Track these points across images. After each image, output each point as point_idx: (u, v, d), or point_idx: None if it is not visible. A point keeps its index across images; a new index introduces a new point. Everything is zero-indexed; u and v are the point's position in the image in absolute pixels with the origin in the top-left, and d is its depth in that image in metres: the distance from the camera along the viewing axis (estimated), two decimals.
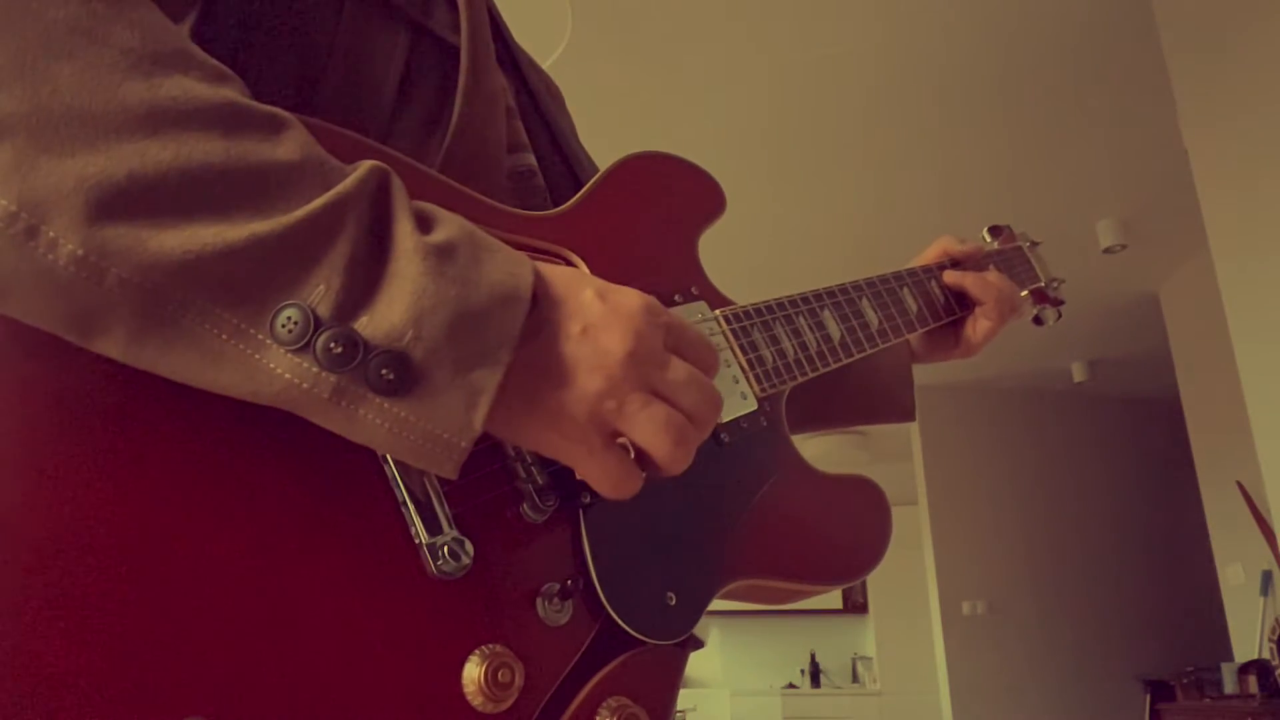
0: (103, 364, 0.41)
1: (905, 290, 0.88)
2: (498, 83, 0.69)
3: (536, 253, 0.60)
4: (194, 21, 0.56)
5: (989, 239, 1.07)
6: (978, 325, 0.93)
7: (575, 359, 0.47)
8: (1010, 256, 1.04)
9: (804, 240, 4.78)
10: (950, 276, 0.93)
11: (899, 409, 0.95)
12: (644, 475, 0.49)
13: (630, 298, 0.50)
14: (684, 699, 7.34)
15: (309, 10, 0.60)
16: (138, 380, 0.41)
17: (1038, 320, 1.07)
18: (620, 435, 0.48)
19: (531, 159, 0.73)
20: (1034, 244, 1.10)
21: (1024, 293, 1.05)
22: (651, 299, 0.51)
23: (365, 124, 0.59)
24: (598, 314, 0.48)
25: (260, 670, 0.41)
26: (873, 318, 0.82)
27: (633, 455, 0.49)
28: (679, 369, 0.49)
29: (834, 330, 0.76)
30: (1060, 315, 1.08)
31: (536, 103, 0.78)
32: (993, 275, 0.94)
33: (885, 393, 0.94)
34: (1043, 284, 1.06)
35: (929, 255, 0.97)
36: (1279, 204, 2.72)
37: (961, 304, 0.94)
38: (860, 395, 0.93)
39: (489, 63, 0.66)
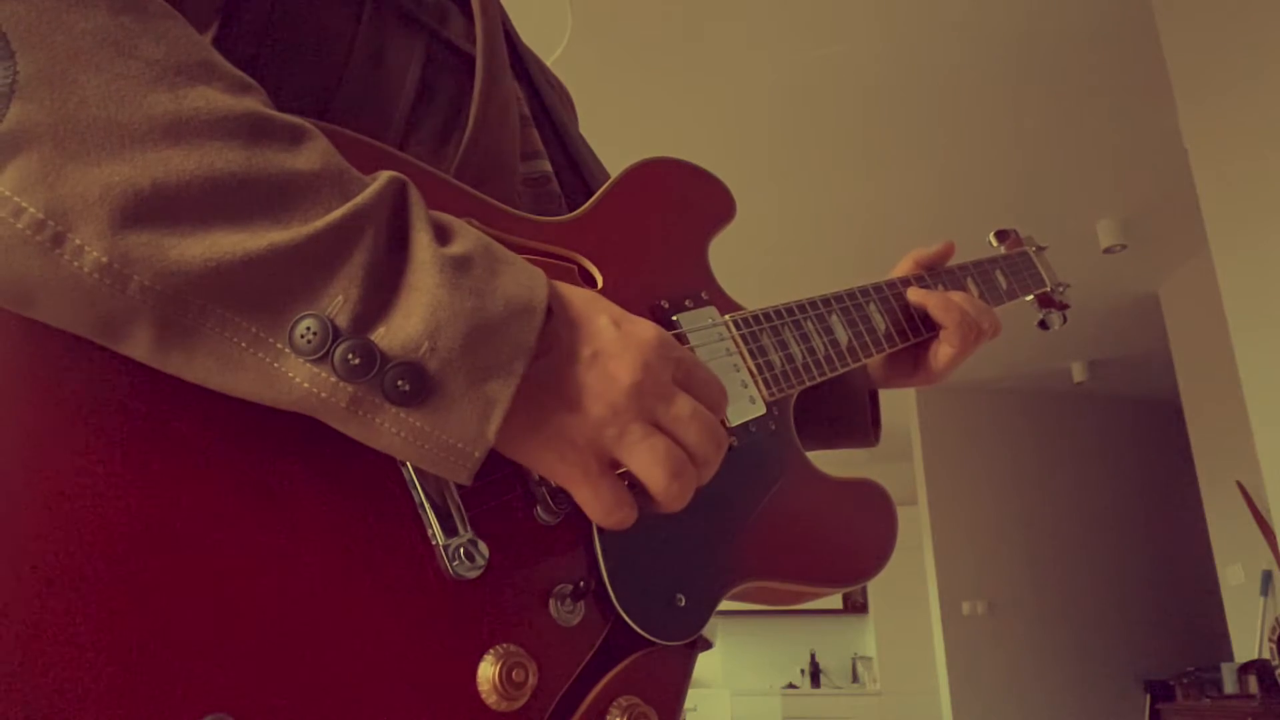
0: (127, 365, 0.41)
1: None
2: (511, 91, 0.69)
3: (550, 258, 0.60)
4: (215, 30, 0.57)
5: (995, 243, 1.07)
6: (939, 351, 0.86)
7: (582, 383, 0.47)
8: (1016, 261, 1.04)
9: (804, 242, 4.78)
10: (914, 295, 0.86)
11: (861, 435, 0.92)
12: (638, 508, 0.49)
13: (645, 329, 0.50)
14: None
15: (328, 19, 0.60)
16: (160, 381, 0.42)
17: (1043, 325, 1.07)
18: (619, 464, 0.48)
19: (546, 165, 0.74)
20: (1040, 248, 1.09)
21: (1029, 297, 1.05)
22: (665, 333, 0.51)
23: (382, 132, 0.60)
24: (610, 340, 0.48)
25: (279, 668, 0.41)
26: (880, 322, 0.82)
27: (628, 485, 0.49)
28: (684, 404, 0.50)
29: (842, 335, 0.77)
30: (1066, 320, 1.07)
31: (548, 110, 0.79)
32: (958, 296, 0.86)
33: (851, 417, 0.92)
34: (1049, 288, 1.06)
35: (901, 269, 0.93)
36: (1279, 203, 2.72)
37: (930, 325, 0.87)
38: (830, 419, 0.91)
39: (503, 72, 0.67)
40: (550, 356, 0.47)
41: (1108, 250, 4.53)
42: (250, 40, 0.58)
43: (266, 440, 0.44)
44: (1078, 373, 6.31)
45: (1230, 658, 4.57)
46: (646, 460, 0.48)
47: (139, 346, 0.40)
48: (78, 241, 0.38)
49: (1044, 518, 6.39)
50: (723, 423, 0.63)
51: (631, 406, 0.47)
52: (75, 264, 0.38)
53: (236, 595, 0.41)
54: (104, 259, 0.38)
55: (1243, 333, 2.92)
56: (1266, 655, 4.17)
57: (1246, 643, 4.48)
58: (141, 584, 0.40)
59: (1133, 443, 6.72)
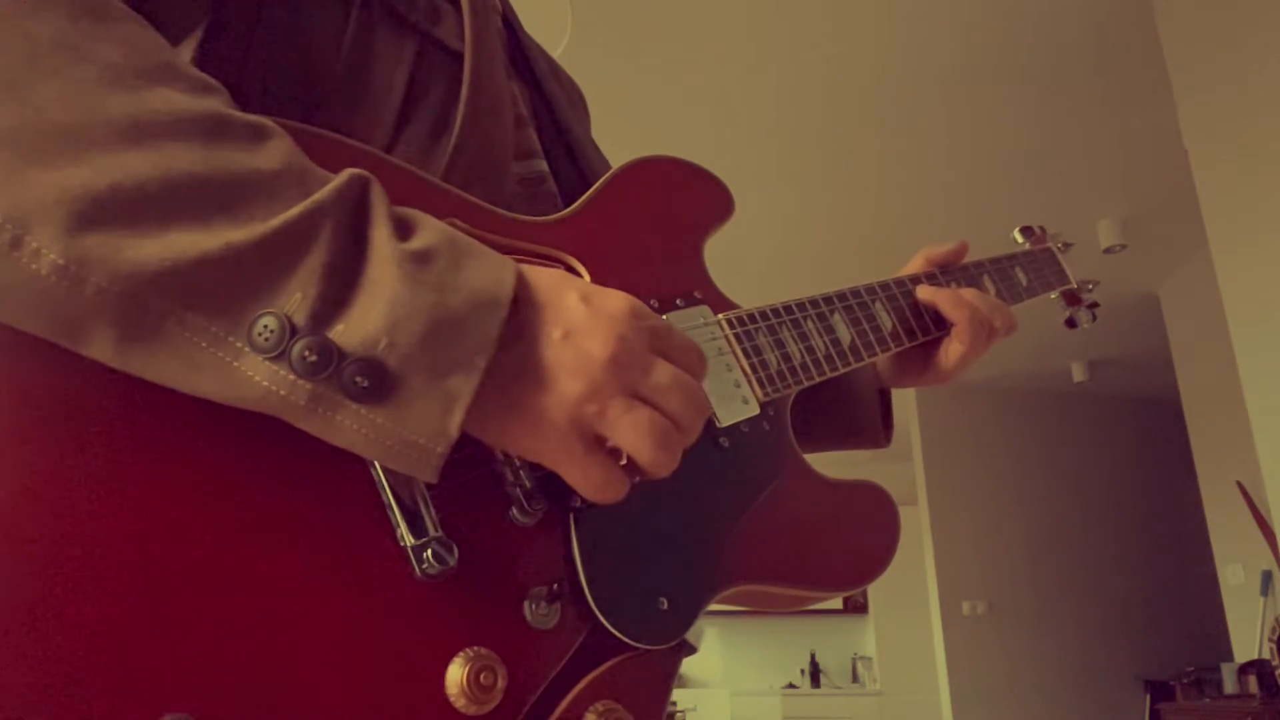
0: (93, 366, 0.41)
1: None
2: (504, 90, 0.69)
3: (536, 258, 0.60)
4: (202, 32, 0.57)
5: (1020, 240, 1.05)
6: (949, 349, 0.83)
7: (556, 363, 0.47)
8: (1038, 257, 1.02)
9: (810, 240, 4.78)
10: (924, 293, 0.84)
11: (871, 435, 0.91)
12: (629, 480, 0.49)
13: (615, 301, 0.50)
14: (684, 699, 7.35)
15: (315, 21, 0.60)
16: (126, 382, 0.42)
17: (1071, 323, 1.06)
18: (605, 439, 0.48)
19: (543, 165, 0.73)
20: (1066, 245, 1.07)
21: (1054, 294, 1.03)
22: (637, 302, 0.51)
23: (371, 133, 0.60)
24: (580, 317, 0.48)
25: (242, 668, 0.41)
26: (886, 321, 0.80)
27: (622, 460, 0.49)
28: (663, 372, 0.49)
29: (844, 334, 0.75)
30: (1095, 317, 1.05)
31: (551, 110, 0.78)
32: (970, 293, 0.84)
33: (862, 417, 0.90)
34: (1074, 286, 1.04)
35: (912, 267, 0.91)
36: (1279, 203, 2.72)
37: (940, 323, 0.85)
38: (836, 419, 0.89)
39: (494, 70, 0.66)
40: (521, 343, 0.47)
41: (1108, 250, 4.53)
42: (237, 42, 0.57)
43: (236, 441, 0.44)
44: (1078, 373, 6.31)
45: (1230, 658, 4.57)
46: (631, 434, 0.47)
47: (101, 348, 0.40)
48: (35, 244, 0.38)
49: (1044, 518, 6.39)
50: (712, 419, 0.63)
51: (610, 381, 0.47)
52: (33, 266, 0.38)
53: (197, 594, 0.41)
54: (60, 261, 0.38)
55: (1243, 333, 2.92)
56: (1266, 655, 4.17)
57: (1246, 643, 4.47)
58: (101, 583, 0.39)
59: (1133, 443, 6.71)
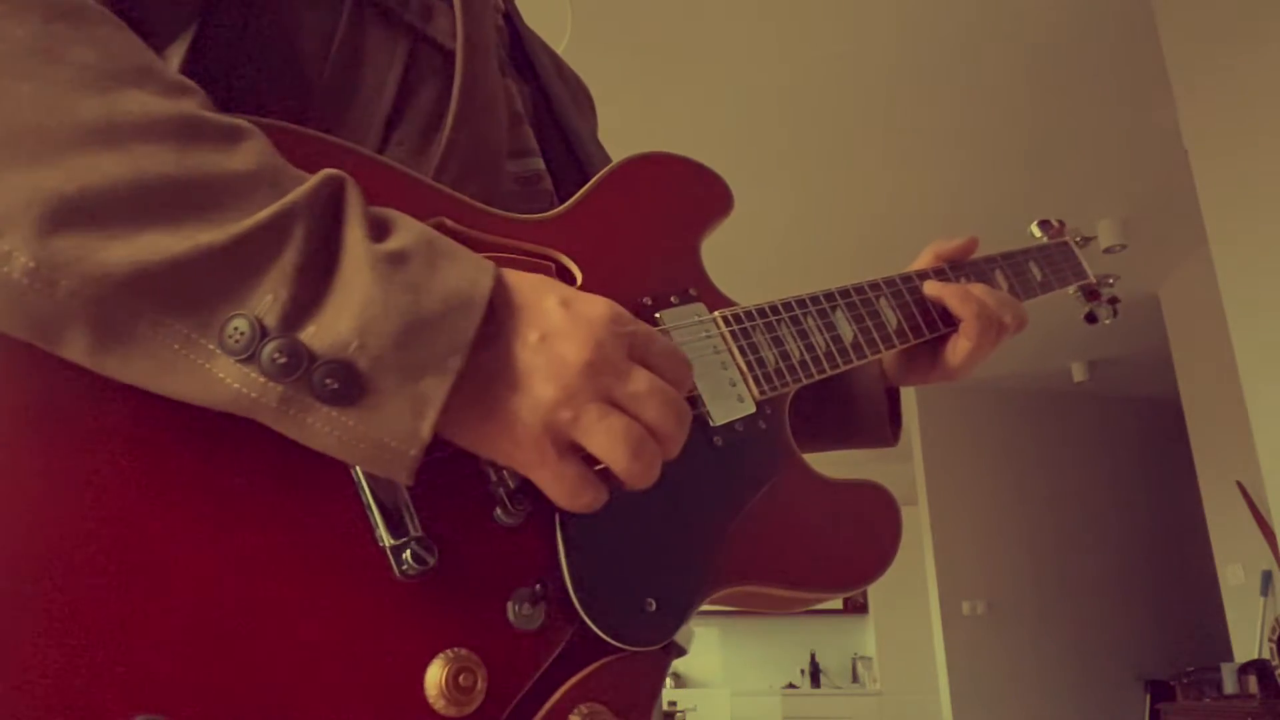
0: (79, 367, 0.41)
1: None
2: (498, 88, 0.68)
3: (528, 256, 0.59)
4: (193, 34, 0.57)
5: (1038, 233, 1.03)
6: (957, 346, 0.81)
7: (531, 366, 0.46)
8: (1053, 252, 1.00)
9: (810, 240, 4.78)
10: (931, 288, 0.82)
11: (878, 434, 0.89)
12: (606, 489, 0.48)
13: (595, 306, 0.49)
14: (684, 699, 7.34)
15: (306, 20, 0.60)
16: (105, 382, 0.42)
17: (1091, 318, 1.04)
18: (580, 447, 0.47)
19: (539, 163, 0.73)
20: (1086, 239, 1.05)
21: (1071, 289, 1.01)
22: (619, 308, 0.50)
23: (363, 132, 0.60)
24: (558, 321, 0.47)
25: (218, 669, 0.41)
26: (891, 318, 0.78)
27: (599, 468, 0.48)
28: (641, 380, 0.48)
29: (846, 331, 0.74)
30: (1116, 313, 1.04)
31: (552, 108, 0.77)
32: (978, 289, 0.82)
33: (865, 416, 0.89)
34: (1092, 280, 1.03)
35: (921, 262, 0.89)
36: (1278, 203, 2.71)
37: (948, 320, 0.83)
38: (840, 418, 0.88)
39: (486, 68, 0.66)
40: (497, 346, 0.46)
41: (1108, 250, 4.52)
42: (228, 44, 0.57)
43: (220, 441, 0.44)
44: (1078, 373, 6.30)
45: (1230, 658, 4.56)
46: (605, 441, 0.46)
47: (75, 350, 0.40)
48: (6, 247, 0.38)
49: (1044, 517, 6.39)
50: (705, 418, 0.62)
51: (586, 386, 0.46)
52: (4, 270, 0.38)
53: (175, 594, 0.41)
54: (31, 264, 0.38)
55: (1242, 333, 2.91)
56: (1266, 655, 4.17)
57: (1246, 643, 4.47)
58: (82, 582, 0.39)
59: (1133, 443, 6.71)
